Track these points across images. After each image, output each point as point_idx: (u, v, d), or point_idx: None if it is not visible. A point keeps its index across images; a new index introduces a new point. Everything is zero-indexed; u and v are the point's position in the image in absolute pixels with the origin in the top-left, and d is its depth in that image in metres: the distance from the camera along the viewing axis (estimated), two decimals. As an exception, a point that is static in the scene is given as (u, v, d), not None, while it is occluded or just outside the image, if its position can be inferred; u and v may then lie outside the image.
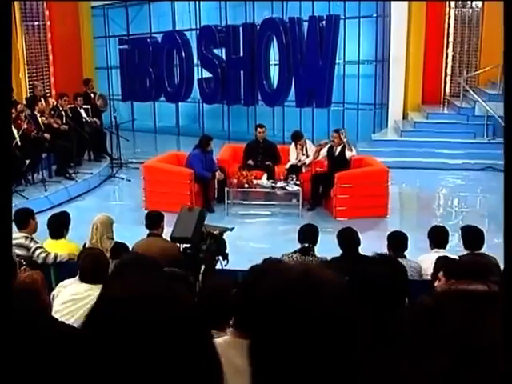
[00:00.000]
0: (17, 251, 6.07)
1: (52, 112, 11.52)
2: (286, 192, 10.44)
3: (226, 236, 8.26)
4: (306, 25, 13.55)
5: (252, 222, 10.29)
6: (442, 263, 4.53)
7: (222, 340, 2.17)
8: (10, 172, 9.51)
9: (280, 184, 10.45)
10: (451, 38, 14.50)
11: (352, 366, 1.21)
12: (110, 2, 15.86)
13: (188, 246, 4.42)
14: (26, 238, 6.32)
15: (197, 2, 15.36)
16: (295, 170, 10.81)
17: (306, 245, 5.85)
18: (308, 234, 5.97)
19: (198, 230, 4.39)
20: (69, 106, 12.13)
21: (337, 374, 1.18)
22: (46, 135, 10.93)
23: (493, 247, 6.17)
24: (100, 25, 16.19)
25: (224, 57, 14.64)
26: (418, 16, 13.91)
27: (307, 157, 10.89)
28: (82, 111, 12.41)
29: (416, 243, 9.22)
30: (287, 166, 10.90)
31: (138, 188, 11.65)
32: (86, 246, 6.47)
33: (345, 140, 10.19)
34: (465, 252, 5.84)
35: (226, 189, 10.42)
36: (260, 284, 1.34)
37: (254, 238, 9.53)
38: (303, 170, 10.85)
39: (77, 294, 4.57)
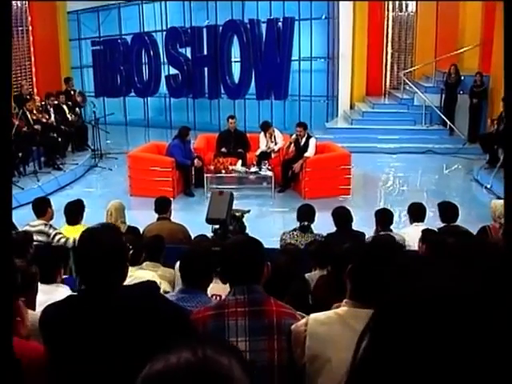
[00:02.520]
0: (38, 237, 5.88)
1: (40, 109, 11.18)
2: (259, 176, 10.45)
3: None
4: (263, 26, 13.55)
5: (230, 204, 10.27)
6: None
7: (341, 311, 2.20)
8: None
9: (253, 169, 10.46)
10: (390, 38, 14.76)
11: None
12: (82, 8, 15.46)
13: (217, 226, 4.38)
14: (45, 224, 6.11)
15: (163, 6, 15.10)
16: (265, 156, 10.82)
17: (306, 223, 5.87)
18: (306, 213, 6.00)
19: (229, 212, 4.36)
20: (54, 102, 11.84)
21: None
22: (37, 127, 10.60)
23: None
24: (73, 28, 15.80)
25: (189, 55, 14.46)
26: (361, 18, 14.08)
27: (276, 144, 10.93)
28: (64, 107, 12.06)
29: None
30: (257, 153, 10.89)
31: (119, 176, 11.48)
32: (102, 230, 6.32)
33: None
34: (442, 224, 5.99)
35: (205, 175, 10.35)
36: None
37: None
38: (272, 156, 10.87)
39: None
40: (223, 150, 11.02)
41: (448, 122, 12.94)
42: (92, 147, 12.67)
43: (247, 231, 4.96)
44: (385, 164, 12.38)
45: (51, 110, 11.60)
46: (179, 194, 10.41)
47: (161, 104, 16.12)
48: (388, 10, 14.56)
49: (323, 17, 14.10)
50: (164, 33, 14.66)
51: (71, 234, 6.17)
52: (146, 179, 10.27)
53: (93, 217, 6.66)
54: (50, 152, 10.99)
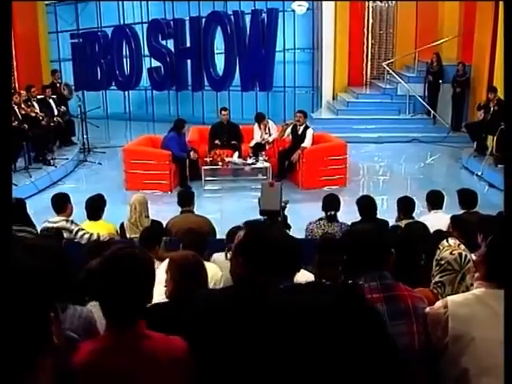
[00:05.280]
0: (60, 234, 5.77)
1: (29, 103, 10.91)
2: (255, 167, 10.47)
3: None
4: (247, 17, 13.51)
5: (227, 196, 10.23)
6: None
7: (478, 291, 2.28)
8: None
9: (250, 161, 10.47)
10: (370, 29, 14.93)
11: None
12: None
13: (265, 217, 4.39)
14: (67, 221, 5.99)
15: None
16: (259, 147, 10.84)
17: (333, 213, 5.94)
18: (332, 203, 6.04)
19: (281, 202, 4.41)
20: (38, 96, 11.54)
21: None
22: (25, 125, 10.35)
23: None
24: (51, 21, 15.43)
25: (172, 47, 14.30)
26: (342, 9, 14.18)
27: (270, 135, 10.96)
28: (51, 101, 11.80)
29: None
30: (252, 144, 10.90)
31: (110, 170, 11.36)
32: (125, 225, 6.25)
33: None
34: (461, 211, 6.13)
35: (202, 167, 10.31)
36: None
37: (234, 209, 9.45)
38: (267, 148, 10.90)
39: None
40: (216, 142, 10.98)
41: (432, 111, 13.19)
42: (77, 142, 12.48)
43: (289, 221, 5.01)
44: (372, 153, 12.53)
45: (34, 102, 11.34)
46: (175, 187, 10.34)
47: (141, 97, 15.92)
48: (368, 1, 14.71)
49: (307, 8, 14.15)
50: (145, 25, 14.45)
51: (93, 229, 6.08)
52: (142, 173, 10.16)
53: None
54: (39, 147, 10.75)
